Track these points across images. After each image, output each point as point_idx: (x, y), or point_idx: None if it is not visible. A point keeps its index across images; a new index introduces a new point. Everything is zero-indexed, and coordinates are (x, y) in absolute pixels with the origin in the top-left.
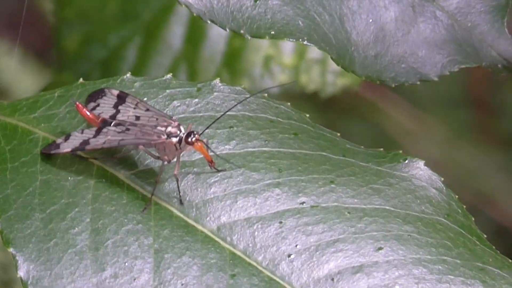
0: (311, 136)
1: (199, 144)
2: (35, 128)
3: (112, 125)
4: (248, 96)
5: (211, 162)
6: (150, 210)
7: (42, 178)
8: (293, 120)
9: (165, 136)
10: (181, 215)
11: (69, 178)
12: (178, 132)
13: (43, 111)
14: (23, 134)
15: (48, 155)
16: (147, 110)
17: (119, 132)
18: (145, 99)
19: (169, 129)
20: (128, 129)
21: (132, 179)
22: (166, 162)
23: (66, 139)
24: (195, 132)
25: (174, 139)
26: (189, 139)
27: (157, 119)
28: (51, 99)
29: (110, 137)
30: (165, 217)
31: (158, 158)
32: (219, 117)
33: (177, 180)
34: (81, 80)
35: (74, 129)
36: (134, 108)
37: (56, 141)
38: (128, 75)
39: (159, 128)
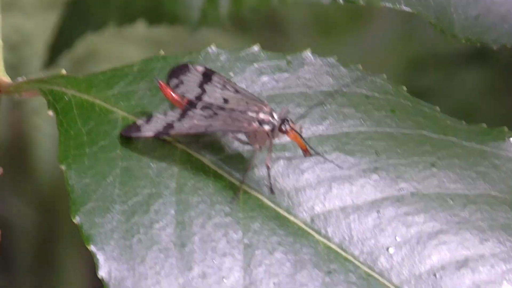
0: (409, 112)
1: (293, 133)
2: (114, 107)
3: (198, 107)
4: (341, 68)
5: (306, 151)
6: (238, 200)
7: (123, 165)
8: (389, 95)
9: (257, 124)
10: (272, 205)
11: (152, 164)
12: (271, 119)
13: (121, 88)
14: (101, 113)
15: (128, 138)
16: (236, 91)
17: (206, 117)
18: (232, 74)
19: (261, 115)
20: (215, 114)
21: (219, 164)
22: (256, 149)
23: (148, 120)
24: (289, 120)
25: (267, 127)
26: (283, 128)
27: (247, 102)
28: (130, 74)
29: (196, 121)
30: (255, 208)
31: (247, 144)
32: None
33: (268, 170)
34: (162, 52)
35: (155, 108)
36: (222, 89)
37: (137, 122)
38: (213, 47)
39: (249, 113)
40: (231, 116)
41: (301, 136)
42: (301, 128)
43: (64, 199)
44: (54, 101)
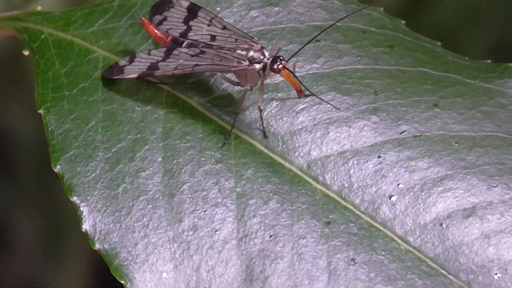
0: (408, 48)
1: (286, 71)
2: (94, 46)
3: (183, 45)
4: (335, 1)
5: (300, 92)
6: (230, 145)
7: (105, 109)
8: (387, 29)
9: (247, 62)
10: (266, 151)
11: (136, 108)
12: (262, 57)
13: (101, 24)
14: (80, 53)
15: (111, 80)
16: (224, 28)
17: (192, 56)
18: (218, 8)
19: (251, 53)
20: (202, 52)
21: (207, 107)
22: (247, 90)
23: (131, 60)
24: (281, 58)
25: (257, 66)
26: (275, 66)
27: (236, 39)
28: (110, 10)
29: (182, 61)
30: (247, 154)
31: (237, 84)
32: (318, 34)
33: (261, 112)
34: None
35: (138, 47)
36: (208, 25)
37: (119, 62)
38: None
39: (239, 52)
40: (219, 54)
41: (294, 75)
42: (294, 66)
43: None
44: (30, 39)
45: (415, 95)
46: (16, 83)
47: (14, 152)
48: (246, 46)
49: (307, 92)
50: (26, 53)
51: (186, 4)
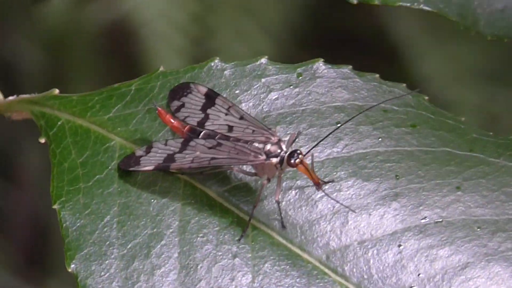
0: (432, 126)
1: (303, 166)
2: (111, 133)
3: (200, 136)
4: (356, 79)
5: (318, 184)
6: (247, 237)
7: (121, 202)
8: (409, 107)
9: (264, 156)
10: (284, 242)
11: (152, 200)
12: (279, 150)
13: (119, 110)
14: (96, 141)
15: (127, 171)
16: (241, 118)
17: (209, 148)
18: (237, 91)
19: (268, 146)
20: (219, 144)
21: (225, 197)
22: (264, 183)
23: (147, 151)
24: (298, 152)
25: (274, 160)
26: (292, 161)
27: (253, 131)
28: (128, 94)
29: (199, 153)
30: (265, 246)
31: (254, 175)
32: (332, 131)
33: (279, 204)
34: (161, 68)
35: (155, 134)
36: (226, 114)
37: (136, 152)
38: (217, 61)
39: (256, 145)
40: (235, 147)
41: (312, 169)
42: (313, 157)
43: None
44: (47, 126)
45: (438, 178)
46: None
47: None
48: (263, 138)
49: (326, 179)
50: (42, 141)
51: (204, 90)
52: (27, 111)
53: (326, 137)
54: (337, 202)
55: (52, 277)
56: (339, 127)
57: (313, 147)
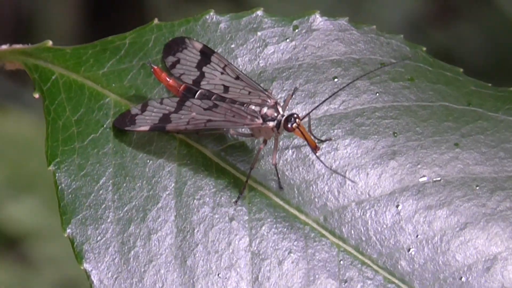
0: (430, 79)
1: (300, 130)
2: (105, 89)
3: (196, 96)
4: (353, 31)
5: (315, 148)
6: (244, 199)
7: (117, 162)
8: (407, 59)
9: (261, 120)
10: (281, 203)
11: (148, 161)
12: (276, 114)
13: (113, 65)
14: (91, 97)
15: (122, 130)
16: (237, 78)
17: (205, 109)
18: (233, 46)
19: (265, 109)
20: (215, 105)
21: (221, 156)
22: (261, 147)
23: (143, 109)
24: (295, 116)
25: (271, 123)
26: (289, 125)
27: (249, 92)
28: (122, 48)
29: (195, 114)
30: (262, 208)
31: (251, 136)
32: (337, 91)
33: (276, 167)
34: (155, 20)
35: (150, 90)
36: (222, 73)
37: (131, 110)
38: (212, 13)
39: (252, 107)
40: (232, 109)
41: (309, 131)
42: (310, 119)
43: None
44: (41, 80)
45: (436, 135)
46: None
47: None
48: (259, 101)
49: (323, 138)
50: (36, 95)
51: (199, 46)
52: (19, 62)
53: (325, 101)
54: (329, 169)
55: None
56: (345, 87)
57: (311, 111)
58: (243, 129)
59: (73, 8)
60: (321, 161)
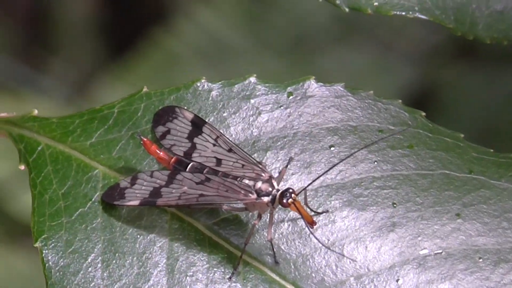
0: (429, 146)
1: (296, 204)
2: (93, 161)
3: (188, 169)
4: (350, 97)
5: (311, 223)
6: (238, 275)
7: (106, 238)
8: (406, 125)
9: (255, 195)
10: (277, 278)
11: (138, 236)
12: (270, 188)
13: (101, 135)
14: (78, 169)
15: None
16: (230, 150)
17: (197, 183)
18: (225, 114)
19: (259, 184)
20: (208, 179)
21: (214, 230)
22: (256, 219)
23: (132, 182)
24: (290, 191)
25: (266, 199)
26: (284, 201)
27: (243, 165)
28: (110, 117)
29: (186, 188)
30: (257, 284)
31: (245, 210)
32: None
33: (271, 243)
34: (145, 88)
35: (140, 162)
36: (214, 145)
37: (120, 183)
38: (203, 81)
39: (246, 181)
40: (225, 183)
41: (305, 204)
42: (305, 193)
43: None
44: (26, 152)
45: (437, 205)
46: None
47: None
48: (253, 174)
49: (320, 209)
50: (22, 167)
51: (190, 116)
52: (4, 131)
53: (322, 174)
54: (325, 246)
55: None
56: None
57: (307, 186)
58: (236, 204)
59: None
60: (316, 238)
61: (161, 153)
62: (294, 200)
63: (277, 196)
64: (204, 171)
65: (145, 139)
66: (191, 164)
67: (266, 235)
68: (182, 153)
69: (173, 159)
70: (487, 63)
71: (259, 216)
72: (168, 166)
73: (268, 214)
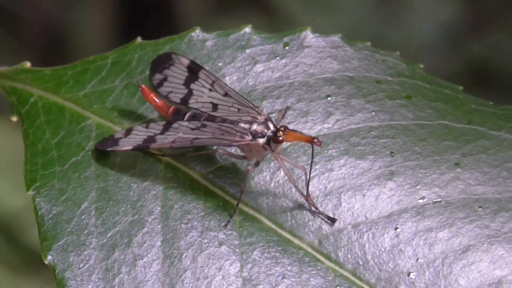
0: (428, 97)
1: (291, 135)
2: (86, 111)
3: (185, 118)
4: (347, 48)
5: (316, 142)
6: (234, 223)
7: (99, 186)
8: (404, 77)
9: (250, 136)
10: (273, 226)
11: (132, 184)
12: (266, 130)
13: (94, 86)
14: (71, 119)
15: (105, 152)
16: (226, 94)
17: (192, 129)
18: (220, 64)
19: (254, 126)
20: (204, 125)
21: (210, 179)
22: (250, 165)
23: (127, 134)
24: (283, 127)
25: (261, 140)
26: (279, 138)
27: (238, 109)
28: (104, 67)
29: (181, 134)
30: (254, 232)
31: (244, 158)
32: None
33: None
34: (138, 39)
35: (134, 111)
36: (210, 90)
37: (114, 135)
38: (197, 31)
39: (241, 125)
40: (221, 127)
41: (300, 132)
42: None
43: None
44: (18, 103)
45: (435, 154)
46: None
47: None
48: (249, 118)
49: (316, 159)
50: (14, 119)
51: (186, 62)
52: None
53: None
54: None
55: None
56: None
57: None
58: (233, 150)
59: (106, 21)
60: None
61: (159, 102)
62: (286, 130)
63: (272, 136)
64: (202, 118)
65: (143, 86)
66: (189, 113)
67: (265, 181)
68: (179, 100)
69: (171, 109)
70: (501, 93)
71: (257, 163)
72: (166, 115)
73: (277, 163)
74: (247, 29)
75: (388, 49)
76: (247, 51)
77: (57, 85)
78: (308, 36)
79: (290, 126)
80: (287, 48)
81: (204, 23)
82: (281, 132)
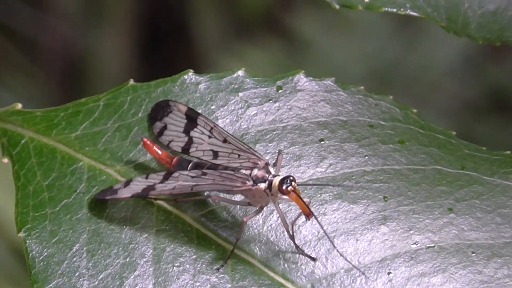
0: (421, 142)
1: (296, 194)
2: (78, 153)
3: (188, 168)
4: (340, 92)
5: (308, 215)
6: (227, 266)
7: (91, 229)
8: (397, 121)
9: (251, 182)
10: (266, 270)
11: (124, 227)
12: (267, 175)
13: (86, 128)
14: (63, 161)
15: (101, 200)
16: (225, 141)
17: (192, 177)
18: (213, 107)
19: (255, 171)
20: (204, 174)
21: (202, 222)
22: (252, 213)
23: (126, 185)
24: (291, 179)
25: (262, 185)
26: (284, 187)
27: (239, 155)
28: (96, 110)
29: (181, 182)
30: (246, 276)
31: (249, 204)
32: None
33: (289, 232)
34: (131, 81)
35: (126, 154)
36: (209, 137)
37: (113, 186)
38: (190, 73)
39: (243, 171)
40: (221, 175)
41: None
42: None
43: None
44: (9, 145)
45: (429, 199)
46: None
47: None
48: (250, 164)
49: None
50: (5, 160)
51: (184, 109)
52: None
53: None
54: (328, 236)
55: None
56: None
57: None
58: (237, 198)
59: (125, 47)
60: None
61: (162, 153)
62: (294, 188)
63: (275, 182)
64: (204, 168)
65: (145, 140)
66: (191, 164)
67: (255, 226)
68: (180, 149)
69: (174, 160)
70: None
71: (261, 208)
72: (170, 167)
73: (275, 207)
74: (240, 72)
75: (408, 75)
76: (240, 94)
77: (49, 127)
78: (301, 79)
79: (283, 170)
80: (280, 91)
81: (223, 47)
82: (290, 186)
